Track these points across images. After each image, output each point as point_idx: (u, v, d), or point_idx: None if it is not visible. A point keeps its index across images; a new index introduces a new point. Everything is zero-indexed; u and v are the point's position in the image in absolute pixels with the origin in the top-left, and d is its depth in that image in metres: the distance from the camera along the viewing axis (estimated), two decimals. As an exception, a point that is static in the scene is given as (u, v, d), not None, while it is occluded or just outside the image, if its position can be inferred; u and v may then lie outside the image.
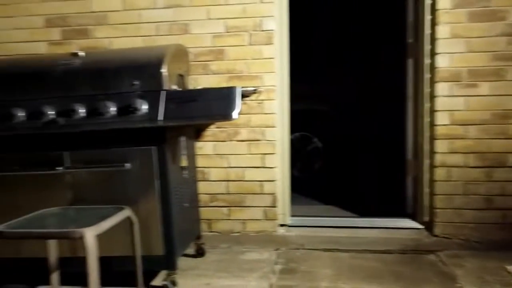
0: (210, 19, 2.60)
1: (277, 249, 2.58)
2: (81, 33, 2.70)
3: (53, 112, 1.98)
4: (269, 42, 2.56)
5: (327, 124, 4.65)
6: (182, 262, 2.31)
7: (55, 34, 2.74)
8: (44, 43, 2.76)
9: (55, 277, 2.01)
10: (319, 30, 5.14)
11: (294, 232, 2.71)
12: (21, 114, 2.00)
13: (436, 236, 2.54)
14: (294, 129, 2.98)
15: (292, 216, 2.81)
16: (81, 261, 1.55)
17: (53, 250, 1.97)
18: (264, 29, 2.55)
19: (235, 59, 2.59)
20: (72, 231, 1.53)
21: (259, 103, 2.59)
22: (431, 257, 2.40)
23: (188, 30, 2.62)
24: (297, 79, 3.04)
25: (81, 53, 2.16)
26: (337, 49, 5.10)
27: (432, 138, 2.53)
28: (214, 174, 2.67)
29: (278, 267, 2.31)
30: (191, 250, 2.47)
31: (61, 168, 2.02)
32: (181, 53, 2.35)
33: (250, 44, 2.58)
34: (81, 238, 1.50)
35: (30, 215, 1.80)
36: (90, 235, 1.51)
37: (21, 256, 2.07)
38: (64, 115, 1.96)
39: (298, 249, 2.58)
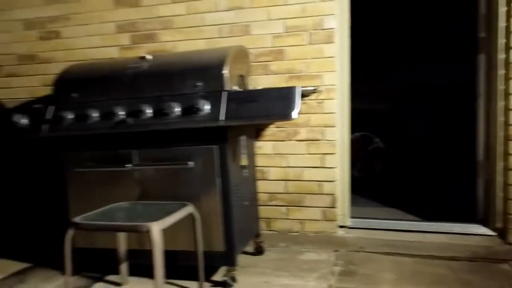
0: (270, 19, 2.62)
1: (336, 251, 2.54)
2: (149, 37, 2.85)
3: (123, 113, 2.10)
4: (329, 41, 2.53)
5: (390, 124, 4.50)
6: (241, 259, 2.35)
7: (125, 39, 2.92)
8: (116, 48, 2.95)
9: (124, 267, 2.15)
10: (383, 25, 4.98)
11: (353, 234, 2.65)
12: (95, 114, 2.15)
13: (510, 244, 2.37)
14: (354, 128, 2.92)
15: (352, 217, 2.76)
16: (148, 254, 1.64)
17: (122, 242, 2.11)
18: (325, 28, 2.53)
19: (294, 58, 2.59)
20: (140, 225, 1.62)
21: (319, 102, 2.57)
22: (504, 266, 2.24)
23: (249, 31, 2.66)
24: (358, 77, 2.97)
25: (149, 57, 2.28)
26: (401, 45, 4.92)
27: (507, 139, 2.36)
28: (273, 173, 2.69)
29: (337, 269, 2.27)
30: (250, 248, 2.51)
31: (130, 165, 2.15)
32: (242, 54, 2.39)
33: (310, 44, 2.56)
34: (147, 231, 1.59)
35: (103, 208, 1.93)
36: (156, 229, 1.59)
37: (94, 246, 2.23)
38: (133, 116, 2.08)
39: (358, 251, 2.52)
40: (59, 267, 2.32)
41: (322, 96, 2.56)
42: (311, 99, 2.57)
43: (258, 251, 2.52)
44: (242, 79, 2.29)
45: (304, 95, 2.38)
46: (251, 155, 2.48)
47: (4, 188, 2.85)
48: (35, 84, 3.12)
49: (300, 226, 2.67)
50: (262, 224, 2.69)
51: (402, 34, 4.91)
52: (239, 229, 2.13)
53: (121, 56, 2.91)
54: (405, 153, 4.48)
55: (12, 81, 3.15)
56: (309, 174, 2.62)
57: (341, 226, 2.68)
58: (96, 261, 2.25)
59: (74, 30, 3.00)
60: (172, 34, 2.80)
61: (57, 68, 2.69)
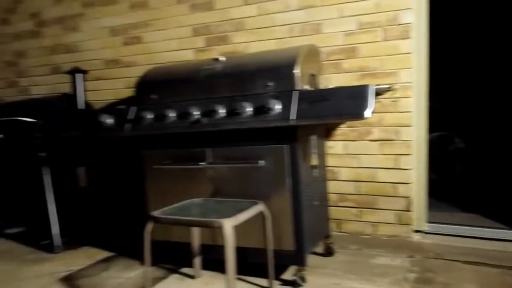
0: (342, 17, 2.57)
1: (411, 256, 2.42)
2: (222, 39, 2.94)
3: (198, 113, 2.19)
4: (406, 36, 2.41)
5: (472, 123, 4.18)
6: (311, 259, 2.34)
7: (200, 42, 3.04)
8: (191, 51, 3.08)
9: (197, 261, 2.24)
10: (464, 20, 4.65)
11: (430, 239, 2.51)
12: (172, 115, 2.27)
13: None
14: (434, 128, 2.76)
15: (429, 222, 2.61)
16: (220, 249, 1.69)
17: (196, 237, 2.20)
18: (401, 23, 2.42)
19: (367, 56, 2.51)
20: (213, 220, 1.68)
21: (393, 101, 2.47)
22: None
23: (320, 30, 2.63)
24: (439, 73, 2.80)
25: (222, 58, 2.35)
26: (483, 40, 4.55)
27: None
28: (344, 173, 2.63)
29: (412, 276, 2.17)
30: (320, 249, 2.48)
31: (203, 163, 2.23)
32: (313, 53, 2.37)
33: (385, 40, 2.47)
34: (220, 227, 1.64)
35: (178, 204, 2.03)
36: (228, 225, 1.64)
37: (170, 239, 2.35)
38: (207, 115, 2.15)
39: (435, 258, 2.38)
40: (139, 257, 2.49)
41: (397, 94, 2.45)
42: (385, 98, 2.48)
43: (328, 252, 2.49)
44: (313, 78, 2.28)
45: (377, 93, 2.30)
46: (322, 155, 2.45)
47: (92, 182, 3.12)
48: (119, 87, 3.36)
49: (372, 228, 2.59)
50: (333, 225, 2.64)
51: (483, 28, 4.54)
52: (309, 229, 2.12)
53: (196, 58, 3.03)
54: (488, 154, 4.14)
55: (99, 84, 3.43)
56: (382, 175, 2.53)
57: (417, 231, 2.55)
58: (171, 254, 2.37)
59: (154, 35, 3.19)
60: (244, 35, 2.86)
61: (138, 71, 2.88)
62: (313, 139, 2.24)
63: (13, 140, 3.02)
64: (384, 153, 2.52)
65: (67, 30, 3.60)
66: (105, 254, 2.74)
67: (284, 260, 2.11)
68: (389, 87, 2.36)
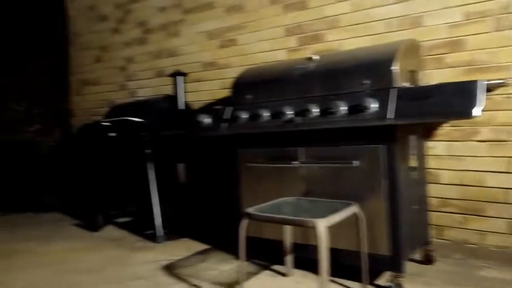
0: (445, 8, 2.39)
1: (526, 271, 2.17)
2: (315, 38, 2.92)
3: (291, 112, 2.20)
4: (522, 25, 2.16)
5: None
6: (408, 266, 2.21)
7: (293, 41, 3.05)
8: (283, 51, 3.11)
9: (289, 259, 2.25)
10: None
11: (551, 254, 2.22)
12: (266, 114, 2.31)
13: None
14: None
15: (549, 234, 2.31)
16: (312, 249, 1.68)
17: (288, 235, 2.21)
18: (517, 11, 2.17)
19: (475, 49, 2.30)
20: (306, 220, 1.67)
21: (507, 97, 2.23)
22: None
23: (420, 23, 2.48)
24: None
25: (315, 57, 2.33)
26: None
27: None
28: (446, 176, 2.44)
29: (528, 293, 1.93)
30: (418, 256, 2.34)
31: (296, 162, 2.24)
32: (412, 48, 2.24)
33: (496, 30, 2.24)
34: (313, 227, 1.63)
35: (271, 202, 2.06)
36: (322, 226, 1.62)
37: (262, 236, 2.40)
38: (300, 115, 2.16)
39: (557, 275, 2.10)
40: (233, 251, 2.59)
41: (511, 90, 2.21)
42: (497, 94, 2.24)
43: (427, 260, 2.33)
44: (412, 74, 2.15)
45: (488, 89, 2.09)
46: (421, 156, 2.30)
47: (190, 178, 3.32)
48: (215, 88, 3.53)
49: (479, 237, 2.37)
50: (433, 232, 2.47)
51: None
52: (407, 234, 2.01)
53: (289, 58, 3.06)
54: None
55: (198, 86, 3.63)
56: (492, 180, 2.30)
57: (534, 243, 2.27)
58: (263, 250, 2.41)
59: (248, 37, 3.29)
60: (337, 33, 2.81)
61: (233, 73, 2.99)
62: (412, 139, 2.11)
63: (123, 138, 3.34)
64: (494, 155, 2.28)
65: (169, 36, 3.88)
66: (202, 246, 2.89)
67: (378, 264, 2.02)
68: (501, 82, 2.14)
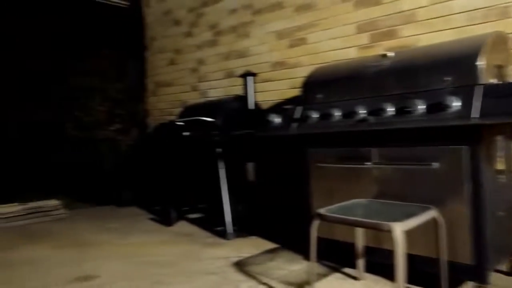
0: (539, -5, 2.17)
1: None
2: (388, 34, 2.81)
3: (364, 111, 2.14)
4: None
5: None
6: (493, 277, 2.04)
7: (364, 38, 2.96)
8: (354, 49, 3.03)
9: (360, 263, 2.19)
10: None
11: None
12: (337, 113, 2.27)
13: None
14: None
15: None
16: (385, 253, 1.62)
17: (360, 238, 2.15)
18: None
19: None
20: (382, 223, 1.61)
21: None
22: None
23: (508, 14, 2.28)
24: None
25: (390, 54, 2.24)
26: None
27: None
28: (538, 181, 2.22)
29: None
30: (504, 267, 2.15)
31: (369, 163, 2.17)
32: (499, 41, 2.07)
33: None
34: (389, 231, 1.57)
35: (343, 203, 2.02)
36: (399, 230, 1.56)
37: (332, 237, 2.35)
38: (374, 114, 2.09)
39: None
40: (301, 252, 2.58)
41: None
42: None
43: (515, 271, 2.14)
44: (499, 70, 1.98)
45: None
46: (510, 158, 2.11)
47: (259, 177, 3.36)
48: (284, 87, 3.53)
49: None
50: (521, 241, 2.26)
51: None
52: (492, 243, 1.86)
53: (359, 56, 2.97)
54: None
55: (267, 86, 3.66)
56: None
57: None
58: (334, 252, 2.37)
59: (318, 35, 3.25)
60: (414, 28, 2.67)
61: (302, 72, 2.98)
62: (499, 140, 1.95)
63: (195, 137, 3.47)
64: None
65: (239, 37, 3.96)
66: (270, 245, 2.91)
67: (459, 273, 1.90)
68: None
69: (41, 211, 4.07)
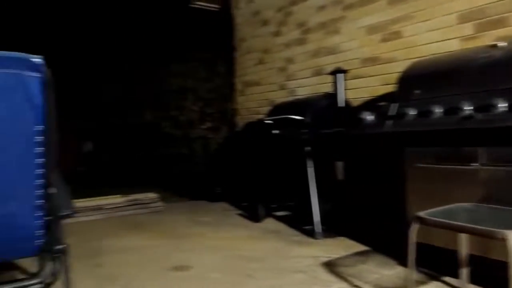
0: None
1: None
2: (497, 23, 2.55)
3: (471, 108, 1.96)
4: None
5: None
6: None
7: (467, 29, 2.72)
8: (456, 40, 2.80)
9: (464, 272, 2.02)
10: None
11: None
12: (438, 110, 2.11)
13: None
14: None
15: None
16: (493, 264, 1.46)
17: (464, 245, 1.98)
18: None
19: None
20: (495, 231, 1.46)
21: None
22: None
23: None
24: None
25: (501, 44, 2.03)
26: None
27: None
28: None
29: None
30: None
31: (476, 164, 1.99)
32: None
33: None
34: (503, 239, 1.42)
35: (444, 207, 1.87)
36: (514, 238, 1.40)
37: (430, 243, 2.19)
38: (482, 110, 1.90)
39: None
40: (394, 255, 2.45)
41: None
42: None
43: None
44: None
45: None
46: None
47: (349, 176, 3.27)
48: (375, 84, 3.39)
49: None
50: None
51: None
52: None
53: (462, 48, 2.74)
54: None
55: (357, 83, 3.55)
56: None
57: None
58: (432, 259, 2.21)
59: (414, 28, 3.06)
60: (529, 14, 2.39)
61: (397, 67, 2.83)
62: None
63: (284, 135, 3.49)
64: None
65: (329, 34, 3.89)
66: (360, 247, 2.82)
67: None
68: None
69: (141, 203, 4.40)
